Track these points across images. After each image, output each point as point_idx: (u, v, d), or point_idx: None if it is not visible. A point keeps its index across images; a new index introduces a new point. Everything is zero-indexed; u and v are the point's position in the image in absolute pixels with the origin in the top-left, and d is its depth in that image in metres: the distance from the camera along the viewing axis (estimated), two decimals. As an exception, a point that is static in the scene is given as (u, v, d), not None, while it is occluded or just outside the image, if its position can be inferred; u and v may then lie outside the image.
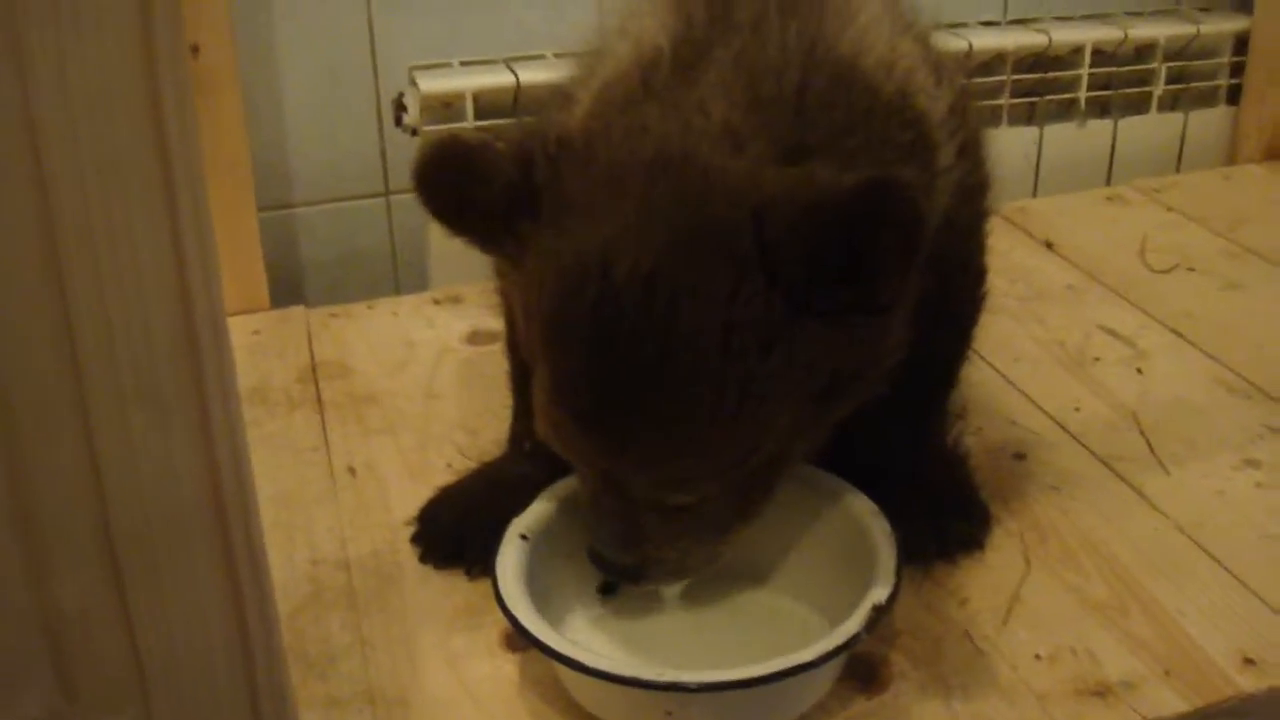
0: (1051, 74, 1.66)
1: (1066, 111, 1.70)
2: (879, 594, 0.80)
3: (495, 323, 1.16)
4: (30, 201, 0.46)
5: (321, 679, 0.85)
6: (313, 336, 1.30)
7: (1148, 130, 1.74)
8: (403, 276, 1.56)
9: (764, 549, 0.91)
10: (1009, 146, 1.64)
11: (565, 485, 0.89)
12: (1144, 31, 1.67)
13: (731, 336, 0.71)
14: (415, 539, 0.98)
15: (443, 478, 1.03)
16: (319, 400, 1.18)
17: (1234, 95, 1.77)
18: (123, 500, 0.51)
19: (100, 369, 0.49)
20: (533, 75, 1.41)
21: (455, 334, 1.30)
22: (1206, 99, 1.77)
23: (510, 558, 0.85)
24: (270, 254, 1.39)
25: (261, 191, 1.38)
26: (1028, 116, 1.68)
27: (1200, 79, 1.75)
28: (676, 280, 0.71)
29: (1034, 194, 1.70)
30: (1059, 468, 1.07)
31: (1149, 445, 1.10)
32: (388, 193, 1.53)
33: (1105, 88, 1.70)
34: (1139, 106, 1.73)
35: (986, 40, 1.61)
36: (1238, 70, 1.75)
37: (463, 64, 1.46)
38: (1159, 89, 1.72)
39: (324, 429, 1.13)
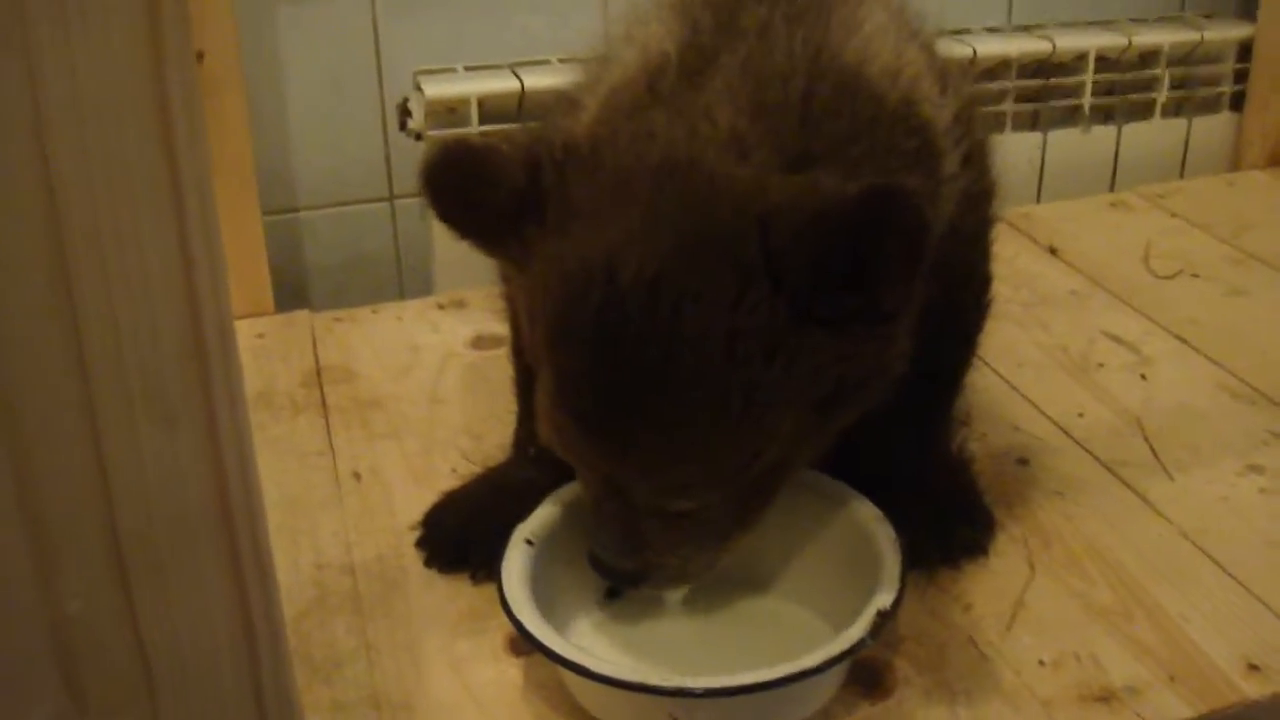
0: (1055, 80, 1.66)
1: (1070, 117, 1.70)
2: (883, 599, 0.80)
3: (500, 327, 1.16)
4: (38, 204, 0.46)
5: (326, 683, 0.85)
6: (317, 341, 1.30)
7: (1151, 136, 1.74)
8: (407, 281, 1.56)
9: (769, 554, 0.91)
10: (1013, 152, 1.64)
11: (570, 490, 0.89)
12: (1148, 38, 1.67)
13: (735, 343, 0.71)
14: (420, 544, 0.98)
15: (447, 482, 1.03)
16: (324, 405, 1.18)
17: (1238, 102, 1.77)
18: (130, 504, 0.51)
19: (108, 372, 0.49)
20: (537, 81, 1.41)
21: (460, 339, 1.30)
22: (1210, 105, 1.77)
23: (515, 562, 0.85)
24: (275, 258, 1.39)
25: (266, 196, 1.38)
26: (1032, 122, 1.68)
27: (1204, 85, 1.75)
28: (681, 286, 0.71)
29: (1038, 200, 1.70)
30: (1063, 473, 1.07)
31: (1153, 451, 1.10)
32: (392, 197, 1.53)
33: (1109, 94, 1.70)
34: (1143, 113, 1.73)
35: (991, 46, 1.61)
36: (1241, 77, 1.75)
37: (467, 69, 1.46)
38: (1163, 95, 1.72)
39: (329, 433, 1.13)
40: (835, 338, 0.73)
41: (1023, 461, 1.09)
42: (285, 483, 1.06)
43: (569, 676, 0.81)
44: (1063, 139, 1.70)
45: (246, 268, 1.33)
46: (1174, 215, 1.59)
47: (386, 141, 1.50)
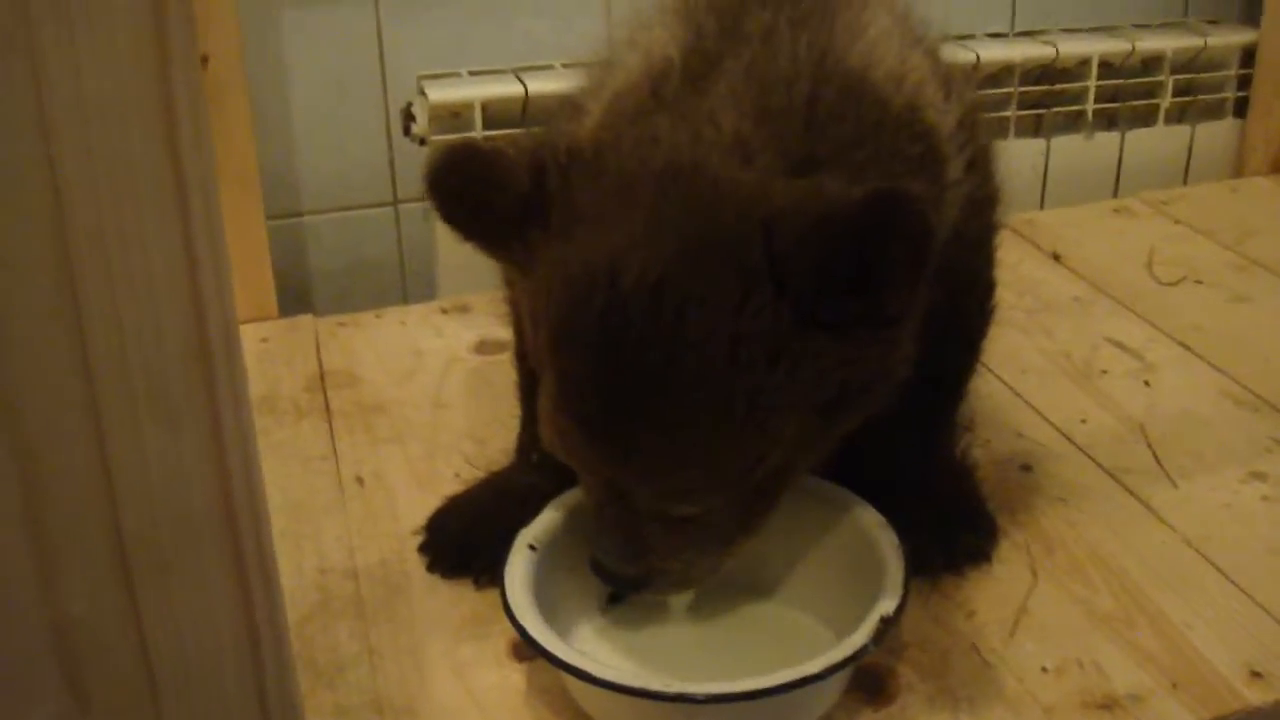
0: (1059, 86, 1.66)
1: (1074, 123, 1.70)
2: (886, 606, 0.80)
3: (503, 332, 1.16)
4: (44, 205, 0.46)
5: (330, 688, 0.85)
6: (321, 345, 1.30)
7: (1155, 142, 1.74)
8: (410, 285, 1.56)
9: (772, 561, 0.91)
10: (1016, 159, 1.64)
11: (573, 495, 0.89)
12: (1151, 44, 1.68)
13: (739, 347, 0.71)
14: (423, 548, 0.98)
15: (450, 487, 1.03)
16: (327, 409, 1.18)
17: (1241, 108, 1.77)
18: (134, 505, 0.51)
19: (112, 373, 0.49)
20: (541, 85, 1.41)
21: (463, 343, 1.30)
22: (1214, 111, 1.77)
23: (518, 567, 0.85)
24: (278, 262, 1.39)
25: (270, 200, 1.38)
26: (1035, 128, 1.69)
27: (1207, 91, 1.75)
28: (685, 289, 0.71)
29: (1041, 206, 1.71)
30: (1066, 480, 1.07)
31: (1156, 458, 1.10)
32: (396, 202, 1.53)
33: (1112, 100, 1.70)
34: (1146, 119, 1.73)
35: (994, 52, 1.61)
36: (1245, 83, 1.75)
37: (471, 74, 1.46)
38: (1166, 101, 1.72)
39: (332, 438, 1.13)
40: (839, 342, 0.73)
41: (1026, 468, 1.09)
42: (289, 487, 1.06)
43: (571, 682, 0.81)
44: (1066, 145, 1.70)
45: (250, 272, 1.33)
46: (1177, 221, 1.59)
47: (390, 146, 1.50)
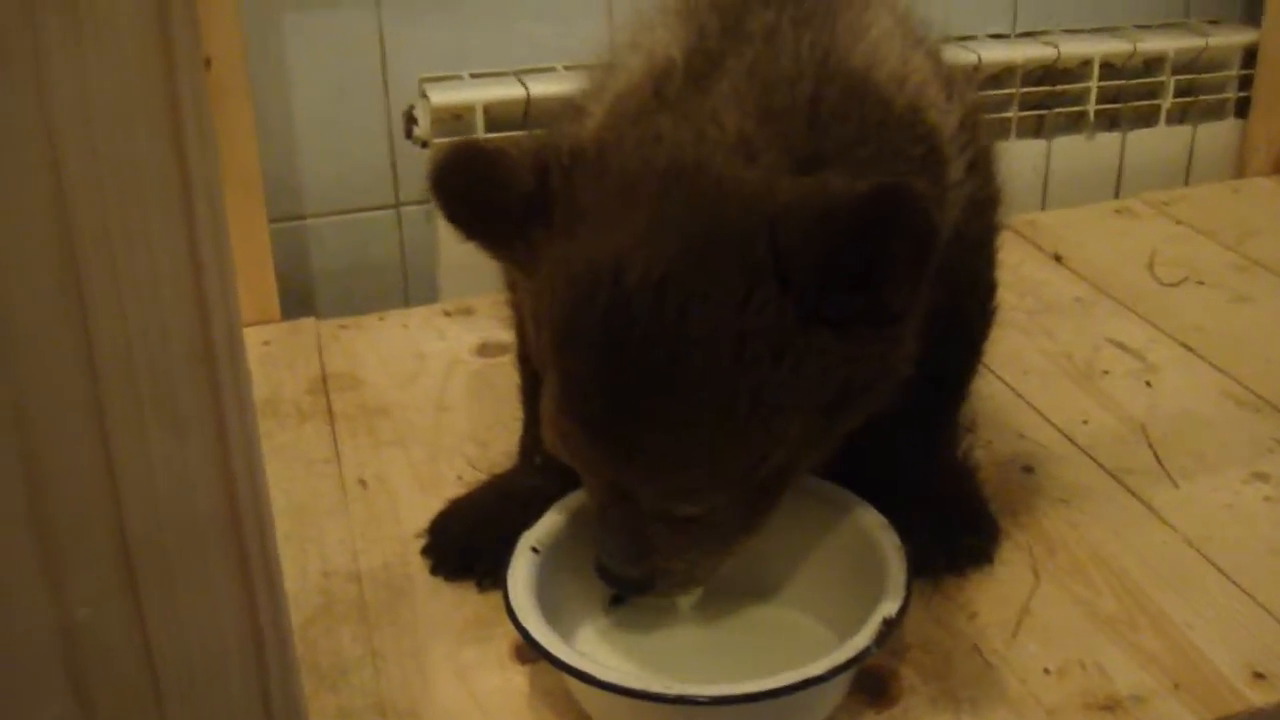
0: (1060, 87, 1.66)
1: (1075, 124, 1.70)
2: (889, 608, 0.80)
3: (505, 335, 1.16)
4: (49, 209, 0.46)
5: (333, 691, 0.85)
6: (323, 348, 1.30)
7: (1156, 143, 1.74)
8: (413, 288, 1.56)
9: (773, 563, 0.91)
10: (1018, 159, 1.64)
11: (576, 498, 0.89)
12: (1153, 44, 1.68)
13: (743, 344, 0.71)
14: (426, 551, 0.98)
15: (453, 490, 1.03)
16: (330, 412, 1.18)
17: (1242, 108, 1.77)
18: (139, 509, 0.51)
19: (117, 376, 0.49)
20: (543, 88, 1.42)
21: (466, 346, 1.30)
22: (1215, 112, 1.77)
23: (521, 570, 0.85)
24: (281, 265, 1.39)
25: (272, 203, 1.38)
26: (1036, 129, 1.69)
27: (1209, 92, 1.75)
28: (688, 287, 0.71)
29: (1042, 207, 1.71)
30: (1068, 481, 1.07)
31: (1158, 459, 1.10)
32: (398, 204, 1.53)
33: (1114, 101, 1.70)
34: (1148, 119, 1.73)
35: (995, 53, 1.61)
36: (1246, 83, 1.75)
37: (473, 76, 1.46)
38: (1168, 102, 1.72)
39: (335, 441, 1.14)
40: (843, 339, 0.73)
41: (1028, 469, 1.09)
42: (292, 490, 1.06)
43: (574, 684, 0.81)
44: (1067, 146, 1.70)
45: (253, 275, 1.34)
46: (1179, 222, 1.59)
47: (392, 149, 1.50)
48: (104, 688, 0.54)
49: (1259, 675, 0.86)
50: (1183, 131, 1.76)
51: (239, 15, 1.28)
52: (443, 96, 1.41)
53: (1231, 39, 1.73)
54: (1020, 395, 1.20)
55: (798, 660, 0.77)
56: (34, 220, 0.46)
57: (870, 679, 0.85)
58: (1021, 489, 1.06)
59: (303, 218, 1.50)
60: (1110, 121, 1.72)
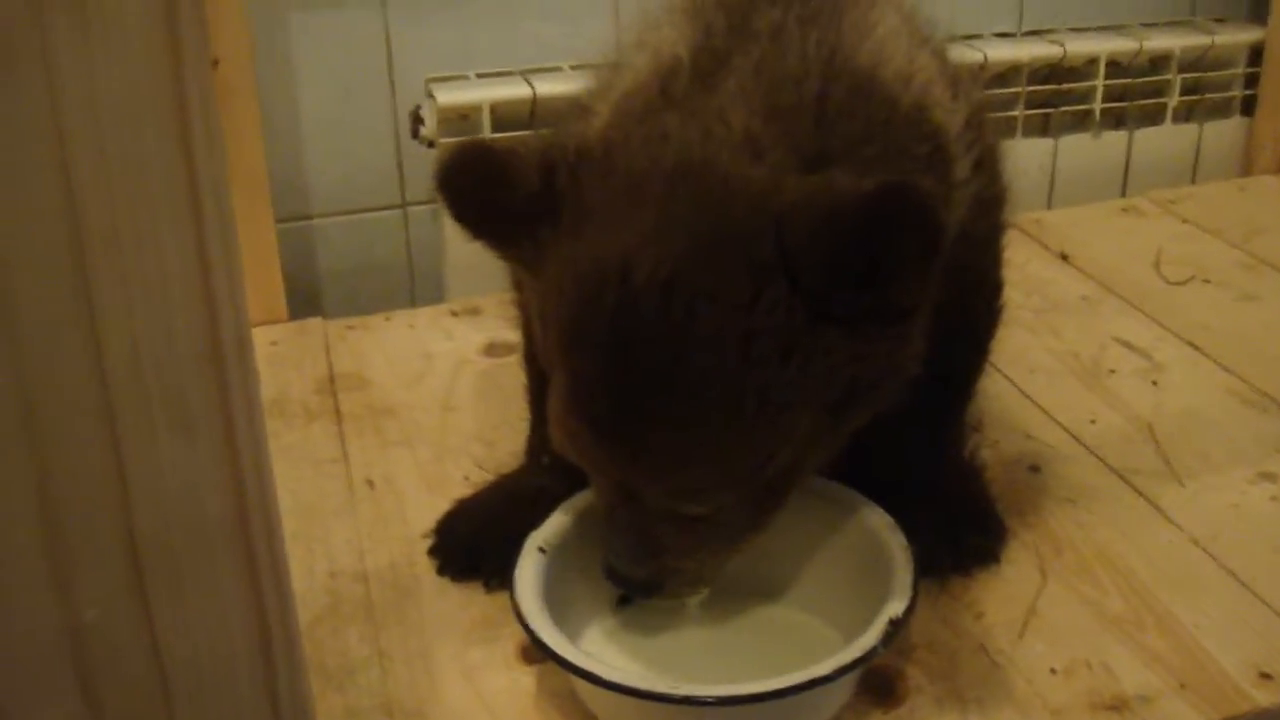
0: (1066, 85, 1.66)
1: (1081, 123, 1.70)
2: (895, 608, 0.80)
3: (512, 334, 1.16)
4: (58, 209, 0.47)
5: (340, 691, 0.85)
6: (330, 348, 1.30)
7: (1163, 141, 1.74)
8: (419, 288, 1.57)
9: (780, 563, 0.91)
10: (1024, 158, 1.64)
11: (583, 498, 0.89)
12: (1159, 43, 1.67)
13: (751, 343, 0.71)
14: (433, 551, 0.98)
15: (460, 490, 1.03)
16: (337, 412, 1.18)
17: (1249, 106, 1.76)
18: (147, 510, 0.52)
19: (126, 378, 0.50)
20: (549, 87, 1.42)
21: (472, 346, 1.30)
22: (1221, 110, 1.77)
23: (528, 570, 0.85)
24: (287, 265, 1.40)
25: (279, 203, 1.39)
26: (1043, 128, 1.68)
27: (1215, 90, 1.74)
28: (696, 286, 0.71)
29: (1049, 206, 1.70)
30: (1074, 481, 1.07)
31: (1164, 458, 1.10)
32: (404, 204, 1.53)
33: (1120, 99, 1.70)
34: (1154, 118, 1.73)
35: (1001, 52, 1.61)
36: (1252, 81, 1.75)
37: (479, 76, 1.46)
38: (1174, 100, 1.72)
39: (342, 441, 1.14)
40: (850, 338, 0.73)
41: (1034, 469, 1.09)
42: (299, 490, 1.06)
43: (581, 684, 0.81)
44: (1074, 144, 1.70)
45: (259, 275, 1.34)
46: (1185, 221, 1.59)
47: (399, 148, 1.50)
48: (112, 688, 0.54)
49: (1265, 675, 0.86)
50: (1189, 130, 1.75)
51: (245, 15, 1.28)
52: (449, 96, 1.41)
53: (1237, 37, 1.72)
54: (1026, 394, 1.20)
55: (804, 660, 0.77)
56: (43, 220, 0.47)
57: (876, 679, 0.85)
58: (1028, 488, 1.06)
59: (309, 218, 1.50)
60: (1116, 120, 1.72)
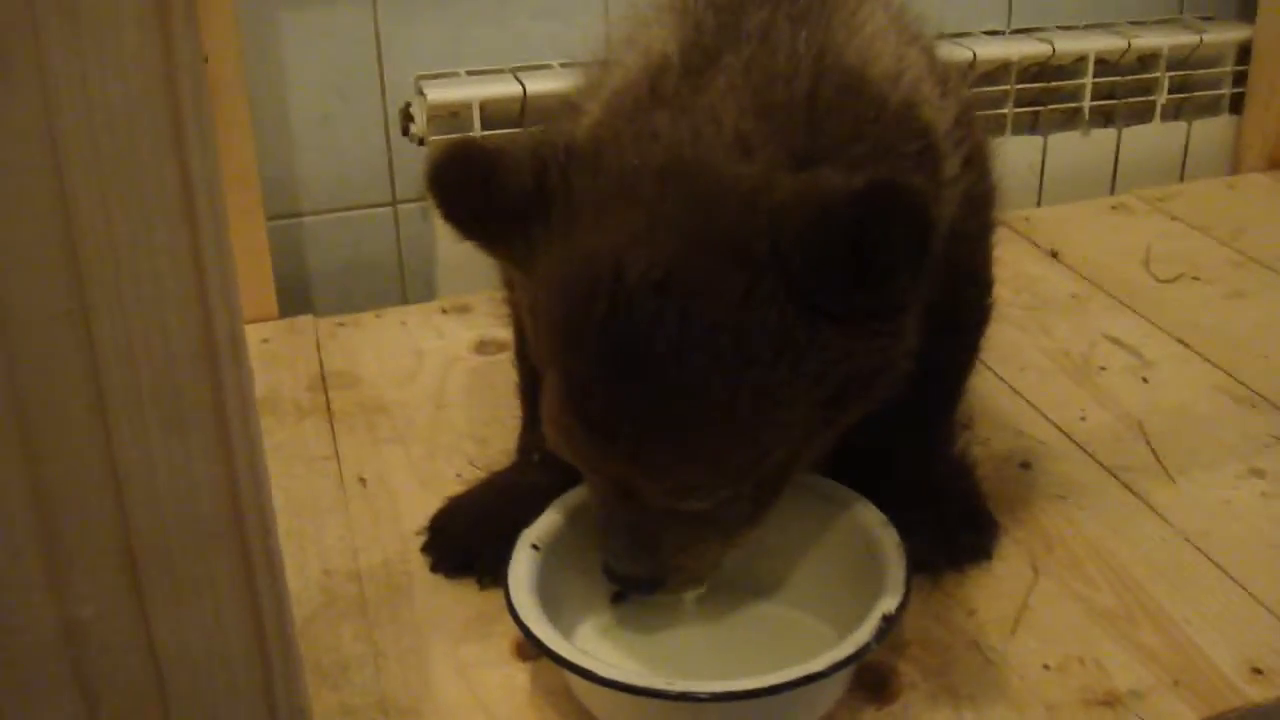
0: (1055, 83, 1.66)
1: (1070, 121, 1.70)
2: (888, 604, 0.80)
3: (503, 332, 1.16)
4: (52, 210, 0.47)
5: (334, 689, 0.85)
6: (321, 346, 1.30)
7: (1151, 139, 1.75)
8: (410, 286, 1.57)
9: (774, 560, 0.91)
10: (1013, 156, 1.64)
11: (576, 495, 0.89)
12: (1147, 41, 1.68)
13: (744, 340, 0.71)
14: (426, 549, 0.98)
15: (452, 487, 1.03)
16: (328, 409, 1.18)
17: (1237, 104, 1.77)
18: (142, 509, 0.52)
19: (120, 377, 0.50)
20: (539, 85, 1.42)
21: (463, 343, 1.30)
22: (1210, 108, 1.78)
23: (522, 567, 0.85)
24: (278, 263, 1.39)
25: (269, 201, 1.38)
26: (1032, 126, 1.69)
27: (1203, 88, 1.75)
28: (689, 284, 0.71)
29: (1038, 203, 1.71)
30: (1065, 477, 1.07)
31: (1155, 455, 1.10)
32: (395, 202, 1.53)
33: (1109, 97, 1.70)
34: (1143, 115, 1.73)
35: (990, 50, 1.61)
36: (1241, 79, 1.76)
37: (470, 74, 1.46)
38: (1162, 98, 1.72)
39: (334, 439, 1.14)
40: (843, 334, 0.74)
41: (1025, 465, 1.09)
42: (291, 488, 1.06)
43: (576, 681, 0.81)
44: (1063, 142, 1.70)
45: (250, 273, 1.33)
46: (1174, 218, 1.59)
47: (389, 146, 1.50)
48: (108, 685, 0.54)
49: (1257, 671, 0.86)
50: (1178, 128, 1.76)
51: (235, 13, 1.27)
52: (439, 94, 1.41)
53: (1225, 35, 1.73)
54: (1018, 392, 1.20)
55: (798, 657, 0.77)
56: (37, 220, 0.47)
57: (870, 675, 0.85)
58: (1019, 485, 1.06)
59: (300, 215, 1.50)
60: (1105, 118, 1.72)
